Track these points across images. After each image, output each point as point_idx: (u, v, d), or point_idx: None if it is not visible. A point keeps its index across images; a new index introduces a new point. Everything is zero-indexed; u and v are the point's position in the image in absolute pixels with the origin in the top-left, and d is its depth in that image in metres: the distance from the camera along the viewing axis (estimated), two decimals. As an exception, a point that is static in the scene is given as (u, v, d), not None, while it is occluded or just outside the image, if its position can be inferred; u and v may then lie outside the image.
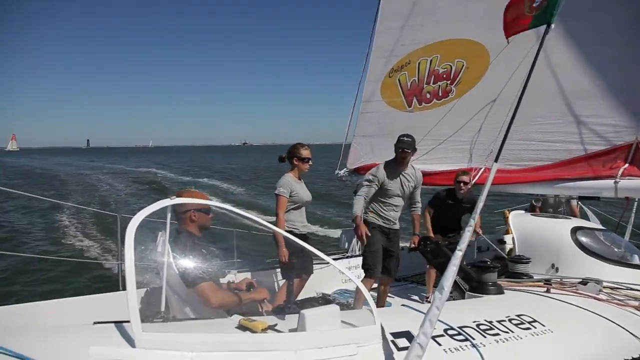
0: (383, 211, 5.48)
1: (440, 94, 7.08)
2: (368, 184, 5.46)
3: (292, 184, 5.31)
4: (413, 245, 5.51)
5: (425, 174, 6.61)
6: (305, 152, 5.45)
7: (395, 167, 5.49)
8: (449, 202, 6.26)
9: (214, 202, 3.28)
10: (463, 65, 6.86)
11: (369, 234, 5.24)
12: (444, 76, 7.03)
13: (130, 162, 77.28)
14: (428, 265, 6.07)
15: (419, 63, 7.26)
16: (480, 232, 6.43)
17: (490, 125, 6.39)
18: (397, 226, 5.57)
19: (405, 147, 5.33)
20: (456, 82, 6.92)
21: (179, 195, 3.23)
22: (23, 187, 35.47)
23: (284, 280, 5.16)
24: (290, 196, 5.27)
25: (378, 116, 7.60)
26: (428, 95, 7.18)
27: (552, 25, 3.55)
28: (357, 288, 4.80)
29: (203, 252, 3.36)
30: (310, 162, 5.53)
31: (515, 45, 5.77)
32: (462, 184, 6.08)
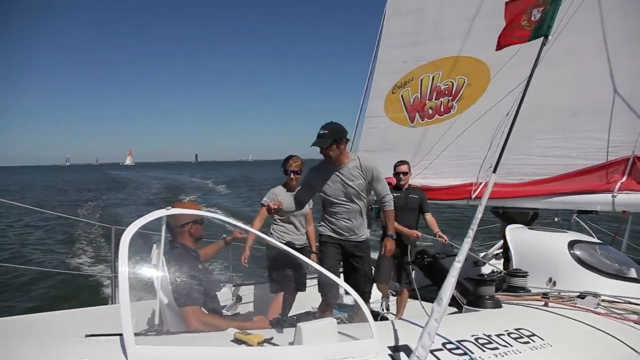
0: (332, 221, 4.35)
1: (442, 110, 6.99)
2: (300, 187, 4.51)
3: (277, 196, 4.98)
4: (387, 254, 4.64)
5: (427, 189, 6.46)
6: (289, 165, 5.08)
7: (327, 165, 4.30)
8: (396, 195, 5.07)
9: (207, 213, 3.12)
10: (464, 82, 6.78)
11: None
12: (446, 92, 6.96)
13: (217, 174, 78.65)
14: (400, 286, 5.49)
15: (421, 80, 7.18)
16: (445, 239, 5.59)
17: (491, 140, 6.27)
18: (358, 237, 4.36)
19: (314, 145, 4.16)
20: (458, 98, 6.84)
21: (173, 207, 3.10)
22: (90, 191, 42.80)
23: (277, 293, 4.91)
24: None
25: (381, 131, 7.50)
26: (430, 111, 7.09)
27: (550, 37, 3.52)
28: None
29: (199, 267, 3.21)
30: (292, 176, 5.05)
31: (516, 61, 5.73)
32: (401, 175, 5.61)
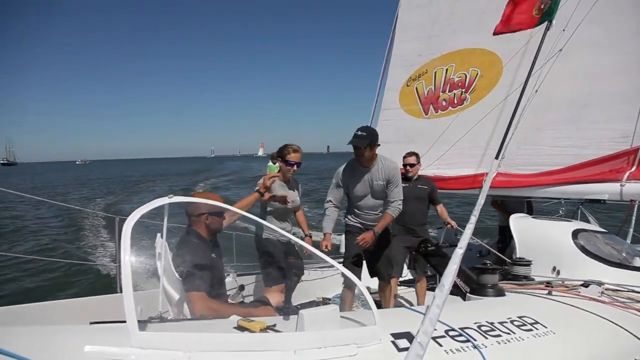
0: (359, 214, 4.58)
1: (455, 102, 6.89)
2: (332, 187, 4.62)
3: (270, 186, 4.32)
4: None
5: (440, 179, 6.38)
6: (292, 156, 4.45)
7: (356, 165, 4.47)
8: (404, 185, 4.82)
9: (218, 203, 3.03)
10: (477, 74, 6.67)
11: (329, 248, 4.33)
12: (459, 84, 6.85)
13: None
14: (417, 275, 5.53)
15: (435, 72, 7.08)
16: (454, 225, 5.65)
17: (503, 131, 6.15)
18: None
19: (353, 143, 4.30)
20: (471, 90, 6.73)
21: (195, 196, 3.09)
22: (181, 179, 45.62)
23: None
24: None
25: (396, 123, 7.42)
26: (444, 103, 7.00)
27: (553, 22, 3.53)
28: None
29: (211, 256, 3.15)
30: (296, 167, 4.49)
31: (527, 53, 5.60)
32: (408, 167, 5.48)
